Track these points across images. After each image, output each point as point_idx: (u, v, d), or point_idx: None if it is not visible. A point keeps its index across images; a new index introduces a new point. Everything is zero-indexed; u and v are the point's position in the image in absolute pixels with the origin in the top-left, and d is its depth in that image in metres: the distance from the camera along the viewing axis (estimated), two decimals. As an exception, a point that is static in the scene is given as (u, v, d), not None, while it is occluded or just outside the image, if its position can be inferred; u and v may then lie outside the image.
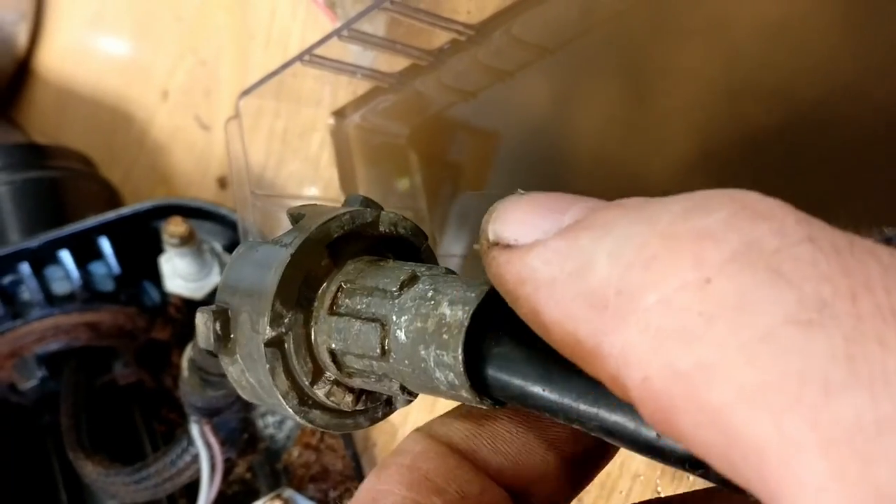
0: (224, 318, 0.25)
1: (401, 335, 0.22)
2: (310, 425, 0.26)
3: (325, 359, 0.25)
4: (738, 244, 0.14)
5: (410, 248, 0.27)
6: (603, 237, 0.16)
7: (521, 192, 0.20)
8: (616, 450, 0.24)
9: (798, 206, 0.40)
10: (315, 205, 0.28)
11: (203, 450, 0.55)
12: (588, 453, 0.23)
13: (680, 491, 0.30)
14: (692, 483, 0.40)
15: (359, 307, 0.24)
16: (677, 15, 0.44)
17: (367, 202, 0.28)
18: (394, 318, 0.22)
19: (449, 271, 0.24)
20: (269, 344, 0.24)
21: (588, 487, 0.24)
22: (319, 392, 0.25)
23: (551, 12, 0.48)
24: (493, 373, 0.20)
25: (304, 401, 0.25)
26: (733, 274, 0.14)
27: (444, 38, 0.50)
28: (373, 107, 0.57)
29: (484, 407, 0.21)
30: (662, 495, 0.27)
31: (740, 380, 0.13)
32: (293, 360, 0.25)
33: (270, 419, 0.65)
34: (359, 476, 0.60)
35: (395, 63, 0.54)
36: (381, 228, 0.26)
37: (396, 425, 0.59)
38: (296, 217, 0.26)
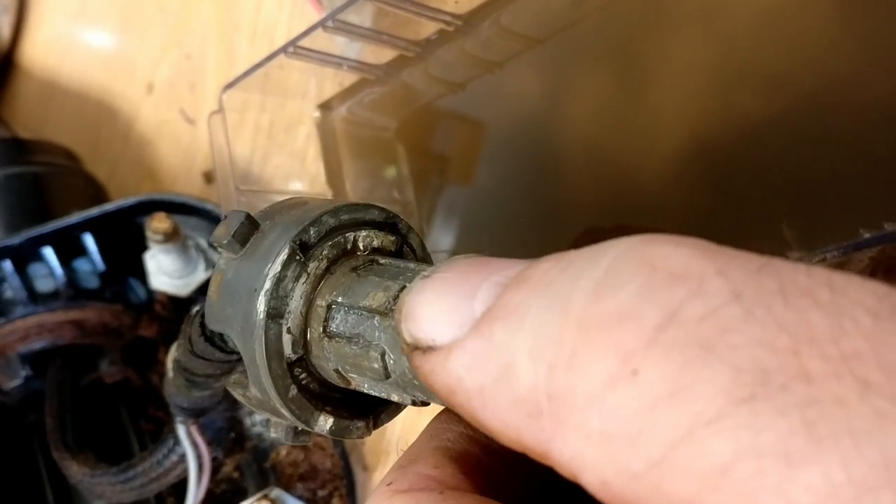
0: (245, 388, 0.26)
1: (400, 359, 0.22)
2: (331, 437, 0.26)
3: (334, 377, 0.25)
4: (659, 319, 0.14)
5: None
6: (518, 330, 0.16)
7: (426, 274, 0.19)
8: None
9: (793, 199, 0.39)
10: (286, 205, 0.27)
11: (190, 450, 0.55)
12: None
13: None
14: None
15: (355, 331, 0.23)
16: (670, 3, 0.43)
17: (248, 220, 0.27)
18: (390, 342, 0.22)
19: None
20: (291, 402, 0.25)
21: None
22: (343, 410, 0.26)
23: (541, 2, 0.47)
24: None
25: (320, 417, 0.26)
26: (660, 358, 0.13)
27: (432, 28, 0.49)
28: (359, 99, 0.56)
29: None
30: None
31: (698, 470, 0.12)
32: (310, 385, 0.25)
33: (258, 418, 0.64)
34: (347, 475, 0.59)
35: (381, 54, 0.53)
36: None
37: (385, 425, 0.58)
38: (270, 224, 0.26)
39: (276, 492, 0.59)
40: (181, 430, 0.54)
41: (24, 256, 0.66)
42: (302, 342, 0.25)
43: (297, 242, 0.24)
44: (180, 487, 0.59)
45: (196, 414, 0.53)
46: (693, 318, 0.13)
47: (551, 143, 0.48)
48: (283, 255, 0.24)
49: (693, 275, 0.14)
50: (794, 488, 0.11)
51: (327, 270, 0.25)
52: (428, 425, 0.22)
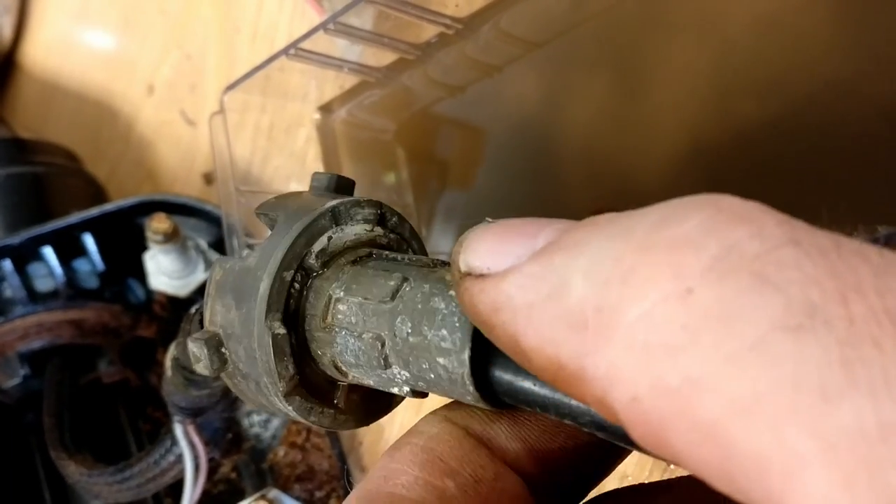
0: (217, 345, 0.25)
1: (401, 348, 0.22)
2: (328, 429, 0.26)
3: (331, 370, 0.25)
4: (718, 250, 0.14)
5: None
6: (577, 256, 0.16)
7: (490, 220, 0.19)
8: (628, 452, 0.24)
9: (791, 202, 0.40)
10: (287, 199, 0.27)
11: (187, 450, 0.55)
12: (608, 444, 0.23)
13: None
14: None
15: (354, 319, 0.23)
16: (668, 9, 0.43)
17: (338, 182, 0.27)
18: (389, 332, 0.22)
19: (438, 262, 0.23)
20: (288, 395, 0.24)
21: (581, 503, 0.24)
22: (338, 403, 0.26)
23: (540, 6, 0.47)
24: (501, 375, 0.20)
25: (323, 411, 0.26)
26: (715, 282, 0.14)
27: (432, 31, 0.50)
28: (359, 101, 0.56)
29: (484, 408, 0.21)
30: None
31: (732, 392, 0.13)
32: (310, 380, 0.25)
33: (256, 418, 0.64)
34: (345, 476, 0.59)
35: (382, 57, 0.53)
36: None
37: (383, 425, 0.58)
38: (270, 218, 0.26)
39: (273, 492, 0.59)
40: (178, 430, 0.55)
41: (24, 256, 0.66)
42: (302, 337, 0.25)
43: (295, 240, 0.24)
44: (178, 488, 0.59)
45: (194, 413, 0.53)
46: (752, 252, 0.14)
47: (550, 146, 0.48)
48: (281, 254, 0.24)
49: (755, 220, 0.14)
50: (824, 422, 0.12)
51: (325, 266, 0.25)
52: (380, 463, 0.21)
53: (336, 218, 0.25)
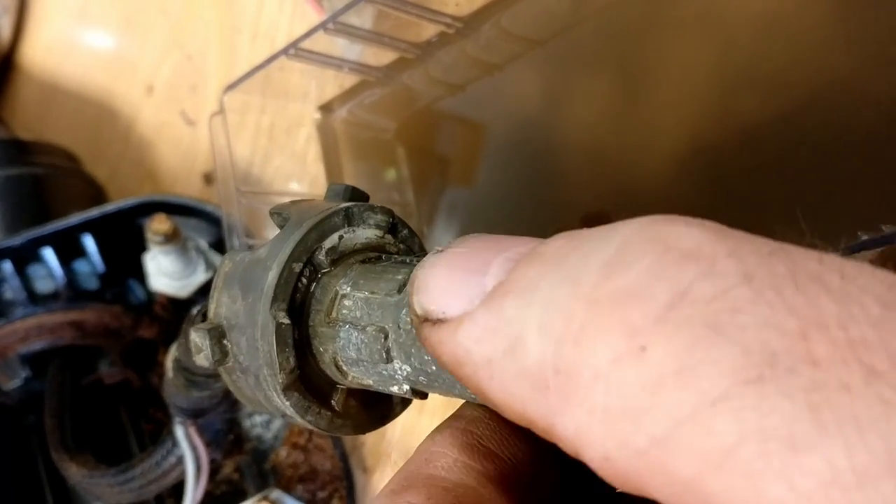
0: (220, 337, 0.25)
1: (404, 340, 0.22)
2: (324, 432, 0.26)
3: (332, 370, 0.25)
4: (668, 297, 0.13)
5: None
6: (528, 306, 0.16)
7: (439, 248, 0.19)
8: None
9: (792, 200, 0.39)
10: (301, 202, 0.27)
11: (188, 451, 0.55)
12: None
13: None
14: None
15: (359, 313, 0.23)
16: (669, 6, 0.43)
17: (353, 193, 0.27)
18: (393, 324, 0.22)
19: None
20: (287, 388, 0.24)
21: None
22: (336, 406, 0.26)
23: (541, 4, 0.47)
24: None
25: (320, 412, 0.26)
26: (669, 337, 0.13)
27: (432, 30, 0.49)
28: (360, 101, 0.56)
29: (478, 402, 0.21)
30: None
31: (702, 449, 0.12)
32: (311, 379, 0.25)
33: (258, 419, 0.64)
34: (347, 476, 0.59)
35: (382, 56, 0.53)
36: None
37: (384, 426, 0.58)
38: (282, 217, 0.26)
39: (275, 493, 0.59)
40: (179, 431, 0.54)
41: (24, 257, 0.66)
42: (305, 333, 0.25)
43: (307, 234, 0.24)
44: (180, 489, 0.59)
45: (195, 415, 0.53)
46: (703, 298, 0.13)
47: (551, 145, 0.48)
48: (291, 245, 0.24)
49: (705, 255, 0.14)
50: (797, 473, 0.11)
51: (334, 263, 0.25)
52: (422, 445, 0.21)
53: (349, 218, 0.26)
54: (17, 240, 0.64)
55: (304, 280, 0.25)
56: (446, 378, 0.21)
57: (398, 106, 0.55)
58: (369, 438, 0.60)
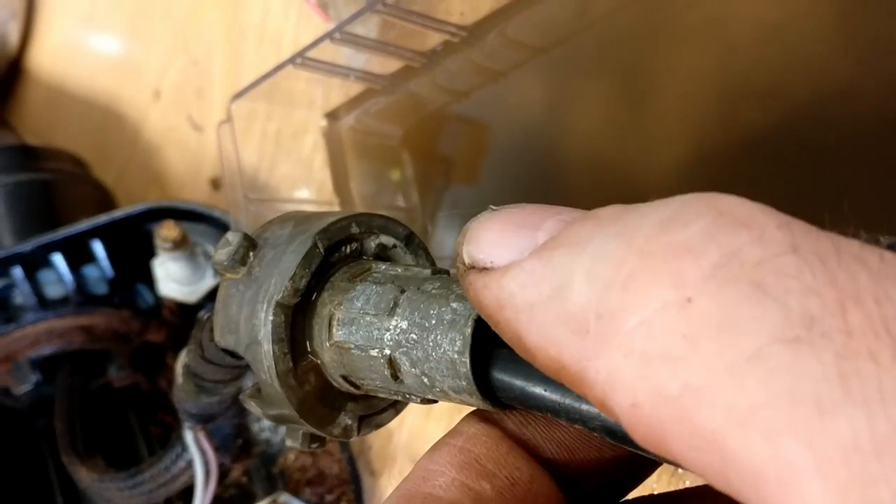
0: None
1: (406, 365, 0.22)
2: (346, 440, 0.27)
3: (342, 382, 0.25)
4: (718, 257, 0.14)
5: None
6: (579, 255, 0.16)
7: (493, 207, 0.19)
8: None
9: (792, 206, 0.40)
10: (280, 219, 0.27)
11: (197, 456, 0.55)
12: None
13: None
14: (687, 486, 0.39)
15: (357, 336, 0.24)
16: (672, 15, 0.43)
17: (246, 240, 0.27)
18: (394, 348, 0.23)
19: (433, 272, 0.24)
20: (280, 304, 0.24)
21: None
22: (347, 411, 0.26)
23: (545, 12, 0.47)
24: (497, 375, 0.20)
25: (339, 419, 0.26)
26: (715, 291, 0.14)
27: (437, 39, 0.50)
28: (366, 108, 0.56)
29: (492, 409, 0.22)
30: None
31: (730, 402, 0.13)
32: (321, 398, 0.25)
33: (266, 423, 0.64)
34: (355, 480, 0.60)
35: (387, 65, 0.53)
36: (353, 230, 0.26)
37: (392, 429, 0.58)
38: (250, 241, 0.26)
39: (284, 496, 0.60)
40: (189, 436, 0.55)
41: (34, 263, 0.66)
42: (310, 351, 0.25)
43: (302, 257, 0.25)
44: (189, 493, 0.59)
45: (204, 420, 0.53)
46: (752, 261, 0.14)
47: (554, 151, 0.48)
48: (287, 271, 0.24)
49: (757, 224, 0.14)
50: (819, 435, 0.12)
51: (327, 281, 0.25)
52: (421, 462, 0.22)
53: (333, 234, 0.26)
54: (28, 246, 0.65)
55: (302, 307, 0.25)
56: (453, 393, 0.21)
57: (404, 113, 0.55)
58: (376, 442, 0.60)
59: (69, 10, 0.94)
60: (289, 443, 0.27)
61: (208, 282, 0.64)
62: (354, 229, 0.26)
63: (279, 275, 0.24)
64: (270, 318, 0.24)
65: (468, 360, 0.20)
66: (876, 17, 0.37)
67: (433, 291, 0.22)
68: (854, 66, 0.37)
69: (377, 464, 0.60)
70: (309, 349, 0.25)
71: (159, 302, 0.69)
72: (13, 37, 0.95)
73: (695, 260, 0.14)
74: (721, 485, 0.13)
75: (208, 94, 0.78)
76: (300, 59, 0.50)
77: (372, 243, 0.27)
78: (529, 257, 0.17)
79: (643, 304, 0.14)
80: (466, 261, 0.19)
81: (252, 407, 0.27)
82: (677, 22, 0.43)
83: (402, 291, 0.23)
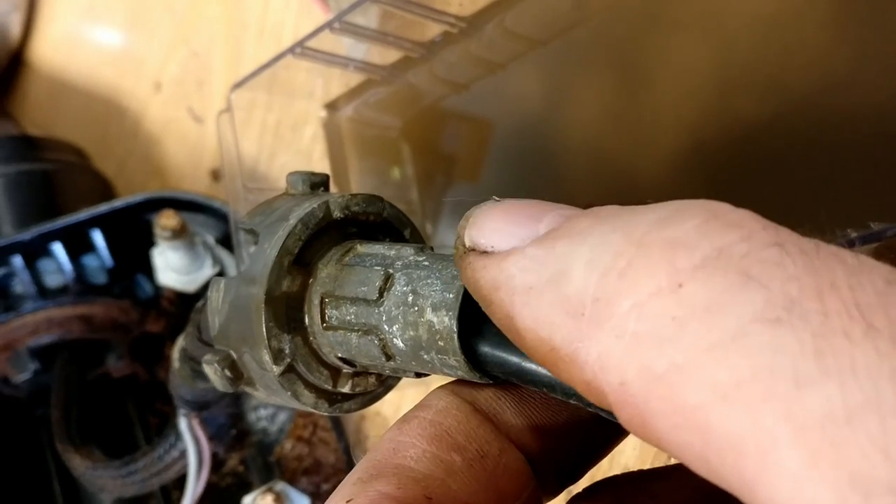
0: (231, 362, 0.26)
1: (399, 343, 0.23)
2: (346, 414, 0.27)
3: (337, 363, 0.26)
4: (709, 250, 0.15)
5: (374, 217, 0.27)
6: (579, 245, 0.17)
7: (497, 198, 0.20)
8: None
9: (790, 199, 0.40)
10: (266, 210, 0.27)
11: (191, 444, 0.55)
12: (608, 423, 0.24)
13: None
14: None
15: (349, 318, 0.24)
16: (670, 7, 0.43)
17: (312, 181, 0.28)
18: (385, 328, 0.23)
19: (418, 250, 0.24)
20: (282, 375, 0.25)
21: (578, 481, 0.24)
22: (345, 389, 0.26)
23: (544, 4, 0.47)
24: (491, 350, 0.21)
25: (334, 400, 0.26)
26: (704, 278, 0.15)
27: (437, 30, 0.50)
28: (365, 99, 0.57)
29: (483, 383, 0.22)
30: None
31: (713, 379, 0.14)
32: (309, 376, 0.26)
33: (263, 412, 0.65)
34: (350, 469, 0.60)
35: (387, 55, 0.53)
36: (336, 215, 0.26)
37: (388, 418, 0.59)
38: (254, 234, 0.27)
39: (280, 485, 0.60)
40: (183, 423, 0.55)
41: (34, 252, 0.67)
42: (304, 336, 0.26)
43: (289, 242, 0.25)
44: (184, 481, 0.59)
45: (199, 407, 0.53)
46: (739, 254, 0.15)
47: (553, 143, 0.48)
48: (272, 259, 0.25)
49: (746, 225, 0.15)
50: (796, 406, 0.13)
51: (316, 265, 0.26)
52: (389, 434, 0.22)
53: (307, 225, 0.26)
54: (27, 235, 0.65)
55: (296, 288, 0.25)
56: (444, 371, 0.22)
57: (403, 104, 0.55)
58: (372, 431, 0.61)
59: (70, 2, 0.94)
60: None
61: (207, 271, 0.64)
62: (337, 214, 0.26)
63: (273, 385, 0.25)
64: (305, 402, 0.26)
65: (456, 335, 0.21)
66: (872, 9, 0.37)
67: (420, 270, 0.23)
68: (851, 59, 0.38)
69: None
70: (307, 333, 0.26)
71: (158, 292, 0.69)
72: (15, 29, 0.95)
73: (688, 252, 0.15)
74: (701, 467, 0.14)
75: (209, 86, 0.78)
76: (300, 48, 0.50)
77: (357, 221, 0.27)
78: (531, 245, 0.18)
79: (637, 289, 0.15)
80: (467, 243, 0.19)
81: (253, 392, 0.27)
82: (675, 14, 0.43)
83: (389, 272, 0.23)
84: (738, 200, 0.41)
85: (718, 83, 0.42)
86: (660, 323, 0.15)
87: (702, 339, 0.14)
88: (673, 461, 0.18)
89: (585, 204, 0.18)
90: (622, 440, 0.25)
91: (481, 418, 0.22)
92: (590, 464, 0.24)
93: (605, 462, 0.45)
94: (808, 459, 0.12)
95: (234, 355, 0.26)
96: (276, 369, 0.25)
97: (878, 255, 0.34)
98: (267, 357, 0.25)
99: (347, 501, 0.19)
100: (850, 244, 0.31)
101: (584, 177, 0.47)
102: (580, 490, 0.24)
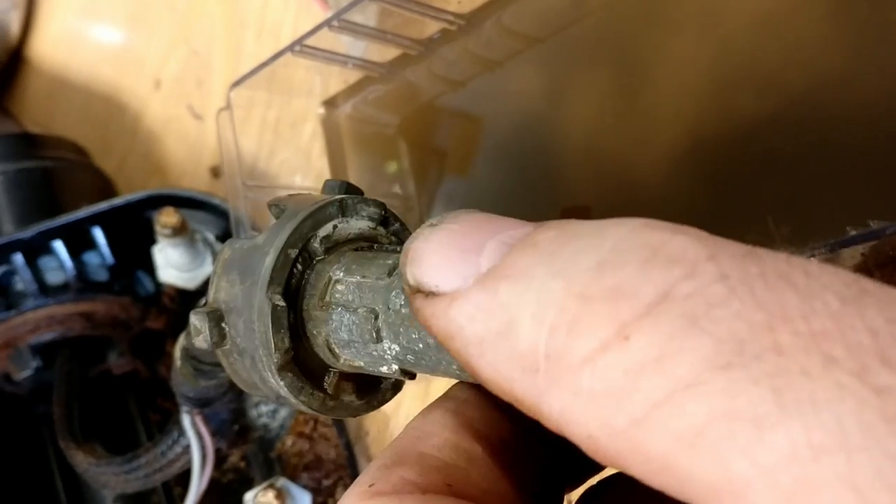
0: (218, 319, 0.26)
1: (393, 320, 0.23)
2: (317, 413, 0.27)
3: (325, 352, 0.26)
4: (653, 296, 0.15)
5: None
6: (523, 293, 0.17)
7: (433, 222, 0.20)
8: None
9: (787, 196, 0.40)
10: (298, 195, 0.28)
11: (194, 440, 0.56)
12: None
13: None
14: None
15: (350, 297, 0.24)
16: (668, 5, 0.44)
17: (348, 188, 0.28)
18: (383, 305, 0.23)
19: (391, 270, 0.24)
20: (281, 369, 0.25)
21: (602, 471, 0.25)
22: (328, 388, 0.26)
23: (542, 2, 0.48)
24: None
25: (313, 393, 0.26)
26: (650, 328, 0.15)
27: (435, 27, 0.50)
28: (364, 96, 0.57)
29: (467, 380, 0.22)
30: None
31: (674, 429, 0.14)
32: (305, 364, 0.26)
33: (264, 409, 0.65)
34: (352, 465, 0.60)
35: (385, 53, 0.54)
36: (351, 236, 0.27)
37: (389, 415, 0.59)
38: (280, 208, 0.27)
39: (281, 481, 0.60)
40: (186, 420, 0.55)
41: (35, 249, 0.67)
42: (300, 317, 0.26)
43: (302, 222, 0.25)
44: (186, 477, 0.60)
45: (201, 404, 0.54)
46: (683, 295, 0.14)
47: (551, 140, 0.49)
48: (287, 232, 0.25)
49: (688, 259, 0.15)
50: (760, 449, 0.13)
51: (326, 252, 0.26)
52: (414, 423, 0.22)
53: (343, 209, 0.27)
54: (28, 232, 0.65)
55: (299, 266, 0.26)
56: (432, 356, 0.22)
57: (401, 101, 0.55)
58: (373, 427, 0.61)
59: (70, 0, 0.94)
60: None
61: (207, 268, 0.64)
62: (314, 246, 0.26)
63: (263, 347, 0.25)
64: (281, 382, 0.25)
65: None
66: (870, 7, 0.37)
67: (403, 307, 0.23)
68: (847, 57, 0.38)
69: (374, 449, 0.61)
70: (300, 319, 0.26)
71: (159, 289, 0.69)
72: (14, 26, 0.95)
73: (630, 301, 0.15)
74: (685, 498, 0.14)
75: (208, 84, 0.78)
76: (299, 46, 0.50)
77: (353, 232, 0.27)
78: (475, 288, 0.18)
79: (586, 345, 0.15)
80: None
81: (227, 364, 0.27)
82: (673, 12, 0.43)
83: (376, 315, 0.24)
84: (736, 198, 0.41)
85: (716, 81, 0.42)
86: (612, 377, 0.15)
87: (656, 390, 0.14)
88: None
89: (563, 210, 0.18)
90: None
91: (502, 410, 0.22)
92: None
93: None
94: (781, 501, 0.12)
95: (224, 313, 0.26)
96: (279, 360, 0.25)
97: (878, 253, 0.34)
98: (275, 360, 0.25)
99: (370, 485, 0.20)
100: (850, 243, 0.31)
101: (582, 174, 0.47)
102: (582, 490, 0.24)
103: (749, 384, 0.13)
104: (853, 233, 0.31)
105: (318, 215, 0.26)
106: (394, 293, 0.23)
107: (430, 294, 0.19)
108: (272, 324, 0.25)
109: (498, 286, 0.17)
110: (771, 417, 0.13)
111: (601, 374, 0.15)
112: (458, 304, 0.18)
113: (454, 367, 0.22)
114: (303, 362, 0.26)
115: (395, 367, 0.24)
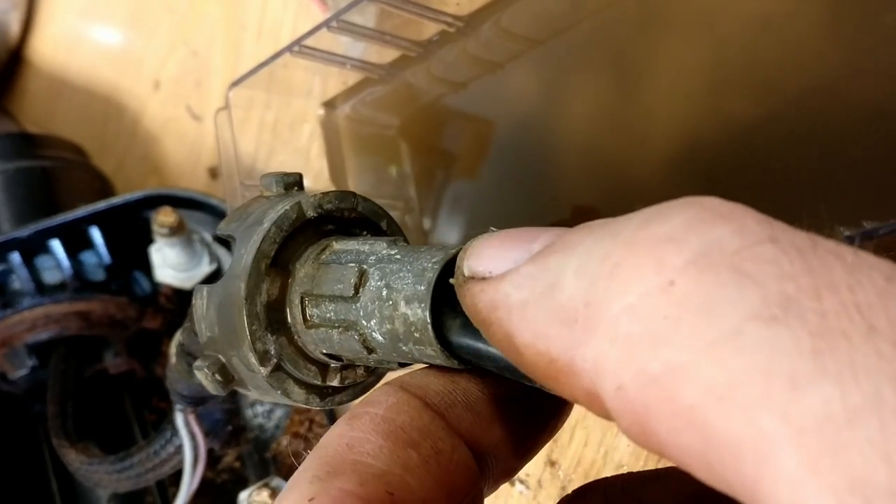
0: (220, 366, 0.27)
1: (377, 337, 0.23)
2: (339, 406, 0.28)
3: (324, 358, 0.26)
4: (699, 246, 0.15)
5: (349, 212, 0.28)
6: (569, 256, 0.17)
7: (494, 228, 0.20)
8: (565, 418, 0.24)
9: (785, 199, 0.40)
10: (240, 212, 0.28)
11: (186, 439, 0.56)
12: (543, 420, 0.24)
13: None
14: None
15: (329, 315, 0.25)
16: (665, 8, 0.44)
17: (285, 182, 0.28)
18: (364, 323, 0.23)
19: (391, 244, 0.24)
20: (270, 375, 0.26)
21: (572, 478, 0.25)
22: (334, 382, 0.27)
23: (540, 4, 0.48)
24: (463, 338, 0.21)
25: (324, 394, 0.27)
26: (696, 275, 0.14)
27: (434, 29, 0.50)
28: (363, 97, 0.57)
29: (459, 369, 0.22)
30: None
31: (709, 379, 0.13)
32: (297, 373, 0.26)
33: (259, 409, 0.65)
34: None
35: (385, 54, 0.54)
36: (310, 214, 0.27)
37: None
38: (230, 239, 0.27)
39: (276, 481, 0.60)
40: (179, 419, 0.55)
41: (32, 249, 0.67)
42: (288, 336, 0.26)
43: (264, 246, 0.26)
44: (179, 476, 0.60)
45: (195, 402, 0.54)
46: (732, 248, 0.14)
47: (550, 142, 0.49)
48: (249, 264, 0.25)
49: (737, 218, 0.15)
50: (794, 407, 0.13)
51: (295, 265, 0.26)
52: (339, 430, 0.21)
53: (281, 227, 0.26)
54: (25, 231, 0.65)
55: (276, 290, 0.26)
56: (424, 360, 0.23)
57: (400, 103, 0.56)
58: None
59: (70, 0, 0.94)
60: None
61: (204, 268, 0.64)
62: (310, 213, 0.26)
63: (257, 373, 0.26)
64: (291, 398, 0.26)
65: (430, 326, 0.21)
66: (867, 10, 0.37)
67: (392, 264, 0.23)
68: (844, 59, 0.38)
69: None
70: (291, 332, 0.26)
71: (156, 289, 0.69)
72: (14, 27, 0.96)
73: (677, 248, 0.15)
74: (702, 471, 0.14)
75: (207, 85, 0.79)
76: (298, 46, 0.50)
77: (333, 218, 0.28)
78: (525, 263, 0.18)
79: (627, 290, 0.15)
80: (466, 272, 0.20)
81: (246, 392, 0.28)
82: (670, 14, 0.44)
83: (363, 268, 0.24)
84: (733, 199, 0.41)
85: (713, 83, 0.42)
86: (653, 323, 0.14)
87: (696, 338, 0.14)
88: (664, 464, 0.18)
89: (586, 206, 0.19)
90: (561, 426, 0.25)
91: (433, 414, 0.22)
92: (520, 463, 0.24)
93: (598, 460, 0.46)
94: (807, 463, 0.12)
95: (223, 359, 0.27)
96: (264, 370, 0.25)
97: (875, 254, 0.34)
98: (253, 359, 0.25)
99: (309, 500, 0.19)
100: (850, 241, 0.32)
101: (580, 175, 0.47)
102: (570, 492, 0.24)
103: (791, 340, 0.13)
104: (847, 233, 0.31)
105: (263, 247, 0.26)
106: (365, 310, 0.23)
107: (481, 279, 0.19)
108: (260, 362, 0.25)
109: (548, 258, 0.17)
110: (809, 377, 0.13)
111: (641, 318, 0.15)
112: (509, 277, 0.18)
113: (441, 361, 0.22)
114: (301, 362, 0.27)
115: (394, 364, 0.25)
